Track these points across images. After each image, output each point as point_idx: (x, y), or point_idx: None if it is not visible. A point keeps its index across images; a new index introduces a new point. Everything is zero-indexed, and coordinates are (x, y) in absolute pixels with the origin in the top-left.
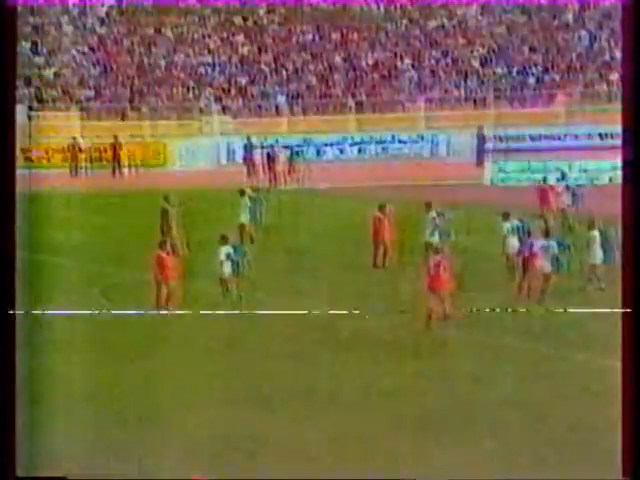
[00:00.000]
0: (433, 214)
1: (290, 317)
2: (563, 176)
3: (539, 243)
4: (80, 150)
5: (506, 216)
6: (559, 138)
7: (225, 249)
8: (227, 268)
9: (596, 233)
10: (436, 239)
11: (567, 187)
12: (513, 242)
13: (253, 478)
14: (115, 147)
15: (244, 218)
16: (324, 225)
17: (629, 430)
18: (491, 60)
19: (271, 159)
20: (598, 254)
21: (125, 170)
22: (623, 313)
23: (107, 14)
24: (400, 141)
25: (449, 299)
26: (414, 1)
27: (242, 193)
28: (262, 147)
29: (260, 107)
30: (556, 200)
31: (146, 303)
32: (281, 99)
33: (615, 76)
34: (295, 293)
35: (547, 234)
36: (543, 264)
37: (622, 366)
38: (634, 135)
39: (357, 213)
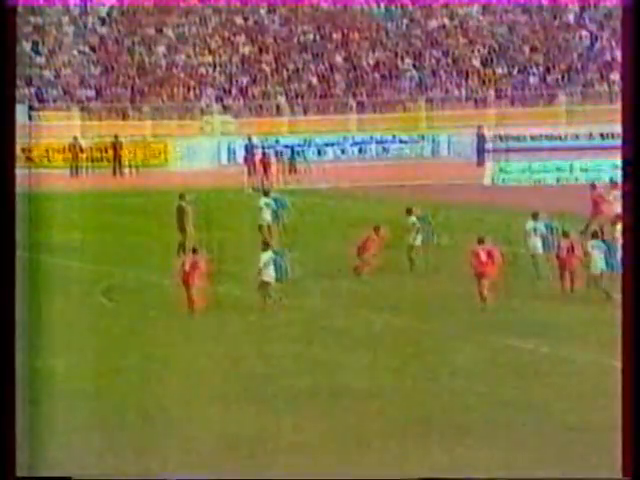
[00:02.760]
0: (413, 219)
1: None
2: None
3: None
4: (81, 150)
5: (535, 216)
6: (560, 138)
7: (267, 255)
8: (270, 273)
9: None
10: (418, 242)
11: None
12: (536, 242)
13: (253, 478)
14: (116, 147)
15: (265, 219)
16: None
17: (629, 430)
18: (492, 60)
19: (272, 159)
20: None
21: (126, 170)
22: (624, 314)
23: (108, 14)
24: (401, 141)
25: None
26: (415, 1)
27: (265, 193)
28: (263, 147)
29: (261, 107)
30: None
31: (152, 304)
32: (282, 99)
33: (616, 76)
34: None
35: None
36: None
37: (622, 366)
38: (634, 135)
39: (369, 214)
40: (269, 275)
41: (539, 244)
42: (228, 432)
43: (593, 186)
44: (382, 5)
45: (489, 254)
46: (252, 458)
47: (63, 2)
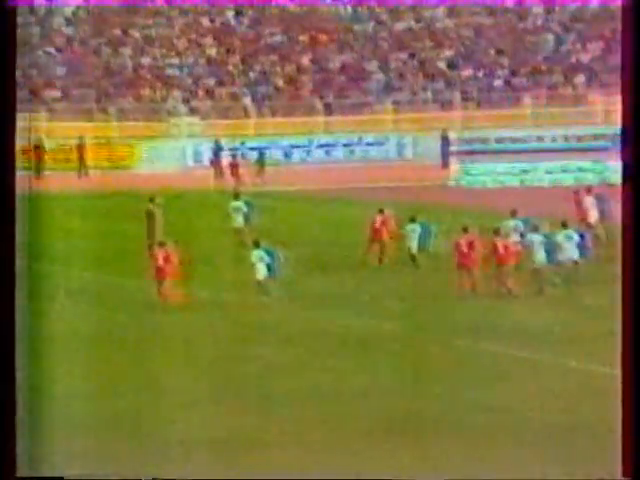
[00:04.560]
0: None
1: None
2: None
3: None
4: (45, 151)
5: (513, 213)
6: (525, 140)
7: (257, 253)
8: (262, 271)
9: (569, 232)
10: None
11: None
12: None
13: (253, 478)
14: (80, 148)
15: (238, 222)
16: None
17: (629, 430)
18: (458, 62)
19: (240, 161)
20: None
21: (91, 172)
22: (623, 315)
23: (73, 14)
24: (367, 143)
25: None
26: (382, 2)
27: (236, 196)
28: (230, 149)
29: (228, 109)
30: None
31: (122, 305)
32: (249, 101)
33: (581, 79)
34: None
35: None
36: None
37: (622, 366)
38: (634, 136)
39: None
40: (261, 273)
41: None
42: (198, 432)
43: (576, 191)
44: (349, 7)
45: (470, 245)
46: (225, 458)
47: (56, 2)
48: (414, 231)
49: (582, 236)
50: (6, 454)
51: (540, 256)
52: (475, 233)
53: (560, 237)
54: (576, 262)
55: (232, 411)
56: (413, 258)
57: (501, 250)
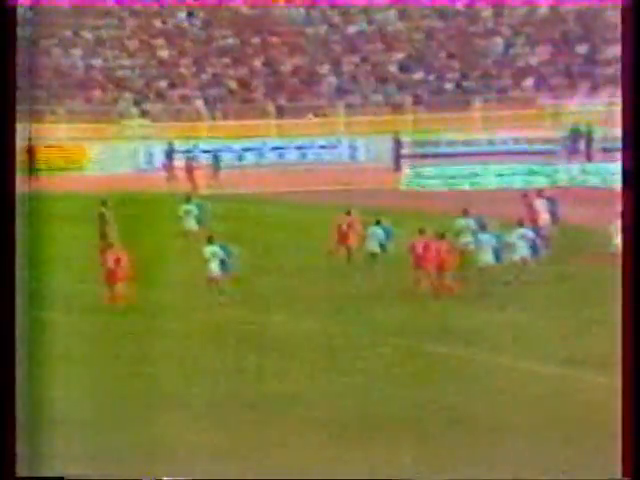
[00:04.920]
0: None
1: None
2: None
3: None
4: None
5: (465, 213)
6: (475, 143)
7: (211, 249)
8: (215, 267)
9: (523, 231)
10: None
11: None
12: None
13: (252, 478)
14: (30, 150)
15: (190, 224)
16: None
17: (629, 430)
18: (409, 65)
19: (192, 164)
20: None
21: (41, 174)
22: (623, 317)
23: (23, 14)
24: (320, 146)
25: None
26: (334, 4)
27: (188, 199)
28: (182, 152)
29: (180, 111)
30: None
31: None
32: (201, 103)
33: (530, 82)
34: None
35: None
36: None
37: (622, 367)
38: (634, 136)
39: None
40: (214, 270)
41: (470, 240)
42: (129, 435)
43: (524, 194)
44: (302, 10)
45: (426, 247)
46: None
47: (62, 2)
48: (375, 233)
49: (537, 234)
50: (6, 454)
51: (487, 256)
52: (430, 235)
53: (514, 236)
54: (526, 261)
55: (180, 418)
56: (373, 260)
57: (443, 253)
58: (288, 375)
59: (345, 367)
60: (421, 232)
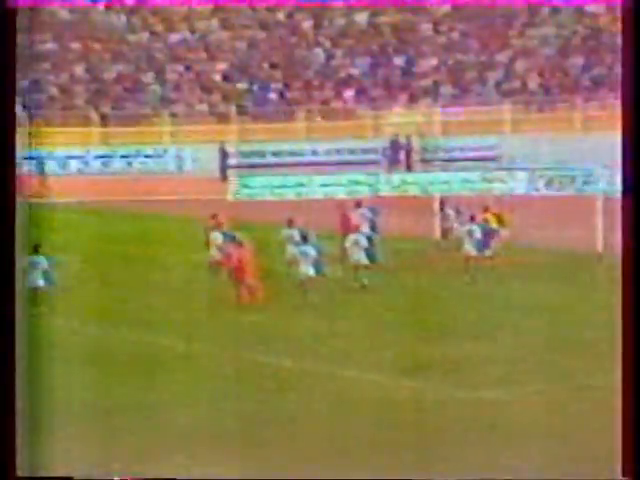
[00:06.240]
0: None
1: None
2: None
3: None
4: None
5: (290, 223)
6: (300, 154)
7: (35, 259)
8: (39, 278)
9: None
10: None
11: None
12: (292, 249)
13: (253, 478)
14: None
15: None
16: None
17: (629, 430)
18: (233, 75)
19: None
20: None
21: None
22: (623, 319)
23: None
24: (145, 155)
25: None
26: (155, 12)
27: None
28: None
29: None
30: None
31: None
32: (20, 110)
33: (351, 93)
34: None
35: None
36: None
37: (622, 367)
38: (634, 136)
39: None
40: (38, 281)
41: (295, 250)
42: None
43: (340, 203)
44: (123, 16)
45: (242, 258)
46: None
47: (63, 2)
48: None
49: (370, 240)
50: (6, 454)
51: (306, 268)
52: (249, 246)
53: (348, 242)
54: (367, 266)
55: None
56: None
57: (244, 261)
58: (100, 385)
59: (180, 380)
60: (239, 244)
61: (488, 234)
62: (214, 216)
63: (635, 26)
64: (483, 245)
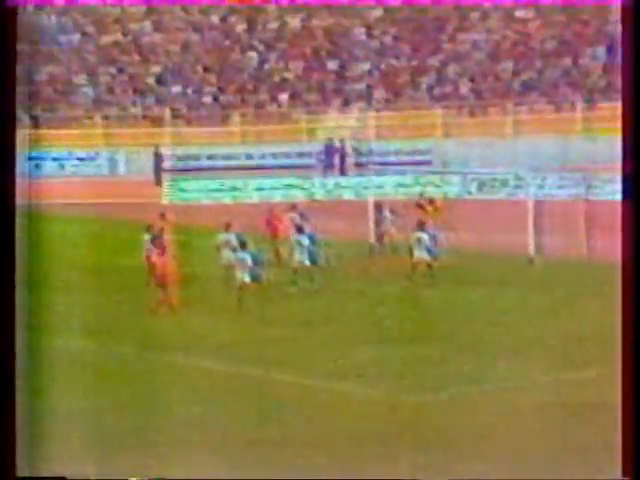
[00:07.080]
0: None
1: None
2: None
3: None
4: None
5: (227, 227)
6: (235, 157)
7: None
8: None
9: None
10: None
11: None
12: (228, 254)
13: (252, 478)
14: None
15: None
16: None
17: (629, 430)
18: (167, 78)
19: None
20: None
21: None
22: (623, 319)
23: None
24: (78, 158)
25: None
26: (86, 13)
27: None
28: None
29: None
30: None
31: None
32: None
33: (284, 97)
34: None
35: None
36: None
37: (622, 366)
38: (634, 135)
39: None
40: None
41: (231, 256)
42: None
43: (269, 207)
44: (53, 17)
45: (164, 263)
46: None
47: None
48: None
49: (312, 242)
50: (6, 454)
51: (242, 275)
52: (173, 251)
53: (290, 243)
54: (307, 269)
55: None
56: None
57: (166, 266)
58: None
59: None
60: (162, 249)
61: (434, 239)
62: (162, 216)
63: (635, 26)
64: (433, 250)
